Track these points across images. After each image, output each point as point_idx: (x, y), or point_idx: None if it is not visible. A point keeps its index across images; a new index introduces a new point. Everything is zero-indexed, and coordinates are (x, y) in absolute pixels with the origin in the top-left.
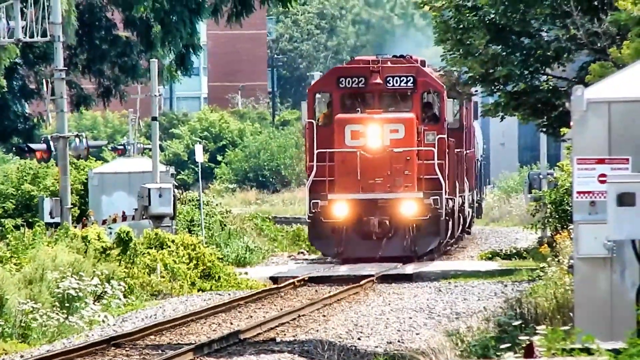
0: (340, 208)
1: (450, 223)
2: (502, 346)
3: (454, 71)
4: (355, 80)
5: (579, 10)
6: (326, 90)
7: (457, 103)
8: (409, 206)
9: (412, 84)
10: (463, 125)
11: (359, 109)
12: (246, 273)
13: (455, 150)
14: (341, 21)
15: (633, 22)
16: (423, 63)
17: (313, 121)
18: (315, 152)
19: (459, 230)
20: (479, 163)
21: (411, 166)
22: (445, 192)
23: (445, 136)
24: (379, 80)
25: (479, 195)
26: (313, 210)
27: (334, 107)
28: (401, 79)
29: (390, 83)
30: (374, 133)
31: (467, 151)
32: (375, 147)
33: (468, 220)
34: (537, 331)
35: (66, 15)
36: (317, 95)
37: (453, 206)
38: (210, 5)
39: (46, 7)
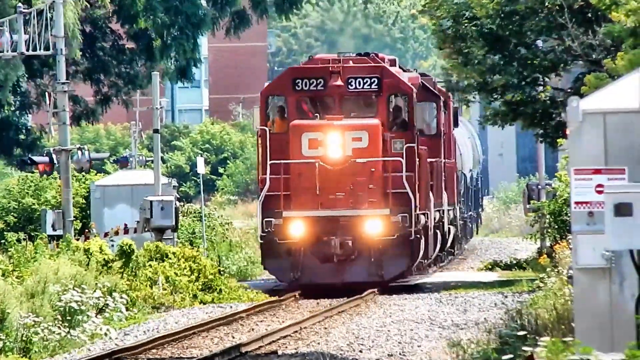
0: (297, 227)
1: (423, 242)
2: (504, 357)
3: (453, 77)
4: (313, 82)
5: (574, 23)
6: (280, 94)
7: (434, 107)
8: (374, 224)
9: (376, 86)
10: (441, 132)
11: (317, 115)
12: (247, 287)
13: (430, 159)
14: (341, 35)
15: (626, 33)
16: (393, 62)
17: (266, 128)
18: (269, 163)
19: (437, 250)
20: (465, 176)
21: (376, 179)
22: (416, 207)
23: (414, 145)
24: (339, 82)
25: (466, 212)
26: (266, 230)
27: (290, 112)
28: (364, 80)
29: (352, 85)
30: (334, 142)
31: (446, 161)
32: (336, 158)
33: (450, 239)
34: (538, 342)
35: (71, 29)
36: (271, 99)
37: (426, 223)
38: (210, 20)
39: (49, 21)
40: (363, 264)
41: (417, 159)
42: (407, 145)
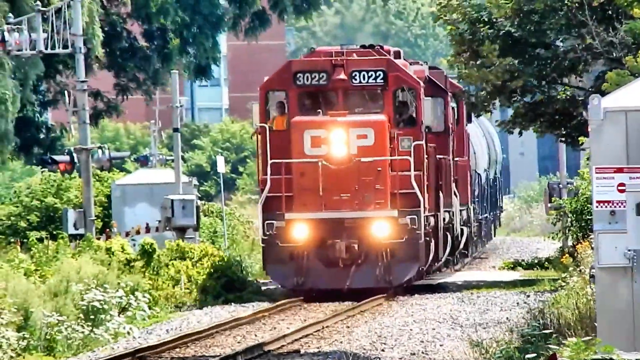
0: (300, 230)
1: (433, 245)
2: (527, 356)
3: (471, 86)
4: (315, 76)
5: (594, 20)
6: (281, 88)
7: (442, 103)
8: (382, 227)
9: (382, 80)
10: (449, 128)
11: (320, 111)
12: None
13: (439, 157)
14: (360, 32)
15: None
16: (398, 54)
17: (266, 125)
18: (269, 162)
19: (447, 253)
20: (480, 176)
21: (383, 179)
22: (425, 208)
23: (423, 142)
24: (342, 76)
25: (481, 213)
26: (267, 233)
27: (291, 108)
28: (369, 74)
29: (356, 79)
30: (338, 139)
31: (458, 159)
32: (340, 157)
33: (462, 241)
34: (562, 341)
35: (88, 27)
36: (271, 95)
37: (436, 224)
38: (229, 20)
39: (67, 19)
40: (370, 268)
41: (426, 157)
42: (415, 142)
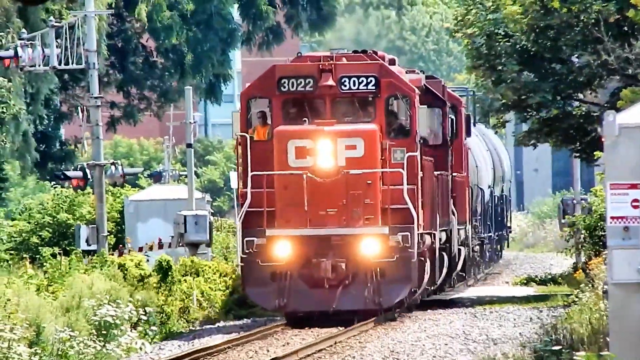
0: (283, 247)
1: (428, 266)
2: None
3: (488, 98)
4: (301, 82)
5: (610, 36)
6: (264, 95)
7: (439, 113)
8: (371, 245)
9: (373, 87)
10: (447, 141)
11: (306, 119)
12: None
13: (436, 172)
14: (375, 48)
15: None
16: (393, 61)
17: (247, 135)
18: (250, 174)
19: (443, 274)
20: (484, 192)
21: (373, 193)
22: (419, 226)
23: (417, 153)
24: (331, 82)
25: (484, 232)
26: (247, 250)
27: (274, 116)
28: (360, 80)
29: (345, 85)
30: (325, 150)
31: (456, 174)
32: (327, 169)
33: (460, 262)
34: (575, 357)
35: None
36: (253, 102)
37: (432, 244)
38: (243, 34)
39: (81, 35)
40: (358, 289)
41: (421, 171)
42: (409, 154)
